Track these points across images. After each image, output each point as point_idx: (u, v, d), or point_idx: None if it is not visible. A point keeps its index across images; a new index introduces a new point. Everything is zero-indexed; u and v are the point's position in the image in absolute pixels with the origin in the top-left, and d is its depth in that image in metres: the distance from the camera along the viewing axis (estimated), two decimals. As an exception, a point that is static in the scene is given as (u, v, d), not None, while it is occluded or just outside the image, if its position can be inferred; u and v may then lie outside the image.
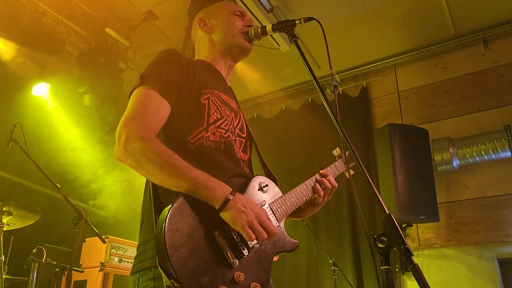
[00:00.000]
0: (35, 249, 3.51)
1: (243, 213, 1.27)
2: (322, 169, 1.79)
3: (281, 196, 1.58)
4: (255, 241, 1.35)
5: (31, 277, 3.46)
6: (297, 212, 1.74)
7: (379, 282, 1.13)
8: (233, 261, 1.28)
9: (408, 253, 1.07)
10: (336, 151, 1.98)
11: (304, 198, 1.66)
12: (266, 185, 1.54)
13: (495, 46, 4.83)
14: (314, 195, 1.71)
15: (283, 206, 1.55)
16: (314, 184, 1.71)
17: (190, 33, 1.99)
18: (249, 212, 1.28)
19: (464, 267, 4.27)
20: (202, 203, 1.29)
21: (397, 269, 4.36)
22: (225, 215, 1.28)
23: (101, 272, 3.91)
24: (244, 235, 1.27)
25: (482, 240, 4.30)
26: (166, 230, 1.19)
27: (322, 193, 1.70)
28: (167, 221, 1.21)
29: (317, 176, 1.74)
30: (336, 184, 1.75)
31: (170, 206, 1.24)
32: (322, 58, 5.30)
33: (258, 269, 1.36)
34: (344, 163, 1.91)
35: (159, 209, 1.31)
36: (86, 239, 4.17)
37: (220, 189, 1.29)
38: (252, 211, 1.29)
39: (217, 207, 1.28)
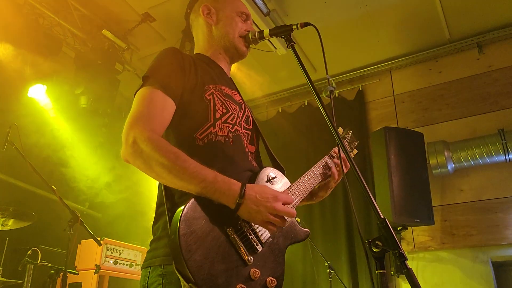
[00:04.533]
0: (30, 251, 3.49)
1: (257, 213, 1.29)
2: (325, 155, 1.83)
3: (290, 185, 1.60)
4: (268, 235, 1.40)
5: (26, 279, 3.44)
6: (310, 196, 1.79)
7: (374, 286, 1.14)
8: (248, 258, 1.30)
9: (402, 258, 1.08)
10: (339, 131, 1.96)
11: (313, 185, 1.69)
12: (274, 177, 1.56)
13: (489, 51, 4.87)
14: (323, 181, 1.75)
15: (292, 196, 1.56)
16: (326, 165, 1.75)
17: (187, 35, 2.00)
18: (262, 210, 1.29)
19: (459, 270, 4.30)
20: (213, 202, 1.31)
21: (392, 272, 4.37)
22: (242, 216, 1.32)
23: (96, 274, 3.90)
24: (267, 230, 1.35)
25: (476, 243, 4.33)
26: (180, 234, 1.19)
27: (336, 175, 1.76)
28: (180, 224, 1.21)
29: (327, 158, 1.79)
30: (348, 165, 1.78)
31: (182, 208, 1.24)
32: (318, 61, 5.32)
33: (272, 263, 1.38)
34: (347, 144, 1.95)
35: (172, 208, 1.33)
36: (81, 241, 4.16)
37: (228, 191, 1.29)
38: (264, 207, 1.30)
39: (232, 208, 1.30)
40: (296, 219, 3.96)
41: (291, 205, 1.43)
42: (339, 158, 1.78)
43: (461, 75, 4.94)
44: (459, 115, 4.81)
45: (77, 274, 3.59)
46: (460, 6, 4.50)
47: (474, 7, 4.50)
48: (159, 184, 1.49)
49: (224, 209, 1.30)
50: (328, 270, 3.90)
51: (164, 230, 1.36)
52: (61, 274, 3.24)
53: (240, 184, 1.32)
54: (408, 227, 4.47)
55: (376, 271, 1.14)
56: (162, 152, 1.29)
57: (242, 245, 1.31)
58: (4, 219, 3.48)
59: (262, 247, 1.37)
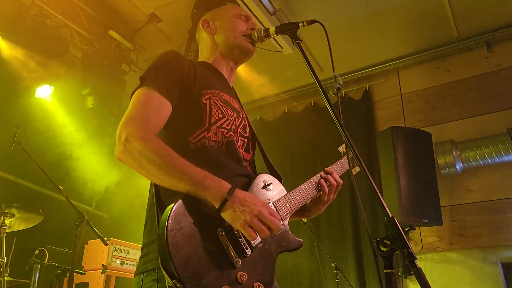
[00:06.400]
0: (37, 251, 3.50)
1: (241, 213, 1.25)
2: (327, 167, 1.78)
3: (286, 194, 1.57)
4: (259, 240, 1.35)
5: (33, 279, 3.45)
6: (303, 211, 1.73)
7: (382, 286, 1.12)
8: (236, 261, 1.28)
9: (411, 257, 1.06)
10: (342, 148, 1.95)
11: (309, 196, 1.65)
12: (270, 183, 1.53)
13: (498, 49, 4.82)
14: (319, 193, 1.69)
15: (288, 205, 1.53)
16: (319, 181, 1.69)
17: (193, 36, 2.01)
18: (247, 211, 1.25)
19: (468, 271, 4.25)
20: (204, 202, 1.29)
21: (400, 273, 4.33)
22: (225, 215, 1.27)
23: (103, 274, 3.91)
24: (245, 235, 1.25)
25: (485, 244, 4.28)
26: (168, 230, 1.19)
27: (327, 190, 1.68)
28: (169, 221, 1.20)
29: (322, 173, 1.73)
30: (341, 181, 1.73)
31: (172, 205, 1.24)
32: (325, 61, 5.30)
33: (261, 268, 1.35)
34: (348, 160, 1.89)
35: (161, 209, 1.31)
36: (88, 241, 4.17)
37: (217, 188, 1.27)
38: (250, 209, 1.26)
39: (216, 207, 1.27)
40: (303, 219, 3.95)
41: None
42: (347, 156, 1.76)
43: (469, 74, 4.89)
44: (467, 114, 4.76)
45: (84, 274, 3.60)
46: (468, 4, 4.45)
47: (482, 5, 4.46)
48: (150, 186, 1.49)
49: (214, 209, 1.29)
50: (335, 271, 3.87)
51: (156, 233, 1.30)
52: (68, 274, 3.25)
53: (230, 185, 1.30)
54: (416, 228, 4.43)
55: (384, 271, 1.12)
56: (153, 150, 1.30)
57: (231, 247, 1.28)
58: (11, 219, 3.49)
59: (252, 251, 1.34)
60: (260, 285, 1.31)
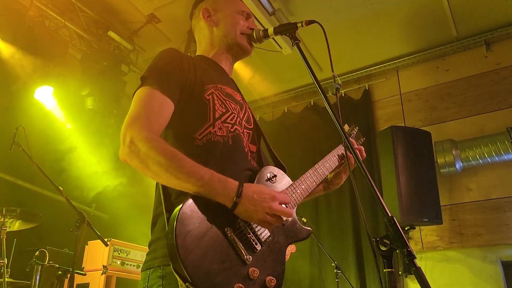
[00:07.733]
0: (37, 252, 3.51)
1: (254, 212, 1.29)
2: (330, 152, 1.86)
3: (291, 184, 1.58)
4: (268, 234, 1.39)
5: (33, 280, 3.46)
6: (327, 185, 1.84)
7: (382, 285, 1.12)
8: (247, 258, 1.29)
9: (410, 256, 1.06)
10: (345, 128, 1.96)
11: (315, 182, 1.67)
12: (275, 176, 1.54)
13: (497, 48, 4.82)
14: (341, 165, 1.80)
15: (294, 195, 1.54)
16: (343, 154, 1.80)
17: (193, 36, 2.00)
18: (259, 210, 1.29)
19: (468, 270, 4.25)
20: (211, 202, 1.30)
21: (400, 272, 4.34)
22: (239, 215, 1.32)
23: (103, 275, 3.90)
24: (264, 227, 1.35)
25: (485, 242, 4.28)
26: (177, 234, 1.19)
27: (361, 155, 1.77)
28: (177, 224, 1.20)
29: (341, 148, 1.83)
30: (364, 154, 1.82)
31: (179, 207, 1.24)
32: (324, 61, 5.30)
33: (272, 262, 1.36)
34: (353, 141, 1.97)
35: (170, 208, 1.31)
36: (88, 242, 4.17)
37: (225, 190, 1.28)
38: (261, 207, 1.29)
39: (229, 207, 1.30)
40: (303, 219, 3.95)
41: (289, 205, 1.42)
42: (345, 156, 1.76)
43: (468, 73, 4.90)
44: (467, 114, 4.77)
45: (85, 274, 3.60)
46: (467, 3, 4.46)
47: (481, 4, 4.46)
48: (157, 184, 1.49)
49: (222, 209, 1.30)
50: (335, 271, 3.87)
51: (163, 231, 1.33)
52: (69, 275, 3.24)
53: (237, 183, 1.31)
54: (416, 227, 4.43)
55: (384, 270, 1.12)
56: (159, 151, 1.29)
57: (240, 244, 1.30)
58: (11, 220, 3.49)
59: (262, 246, 1.35)
60: (273, 279, 1.32)
